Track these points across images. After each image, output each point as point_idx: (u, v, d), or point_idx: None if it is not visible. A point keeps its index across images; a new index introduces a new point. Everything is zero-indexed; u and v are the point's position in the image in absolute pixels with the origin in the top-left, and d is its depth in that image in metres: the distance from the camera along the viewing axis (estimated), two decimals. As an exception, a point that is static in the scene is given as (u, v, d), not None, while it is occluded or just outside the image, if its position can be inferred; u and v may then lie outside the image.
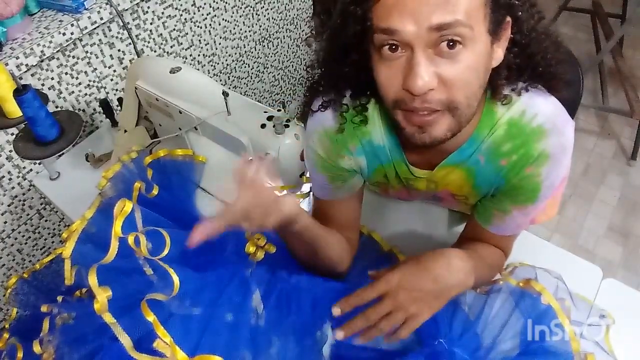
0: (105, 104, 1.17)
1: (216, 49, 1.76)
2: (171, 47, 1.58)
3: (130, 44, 1.43)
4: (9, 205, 1.33)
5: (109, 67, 1.41)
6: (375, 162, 0.69)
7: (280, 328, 0.62)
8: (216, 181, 1.02)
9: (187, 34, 1.61)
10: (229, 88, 1.31)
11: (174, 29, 1.56)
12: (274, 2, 1.91)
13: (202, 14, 1.63)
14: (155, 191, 0.83)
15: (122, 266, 0.62)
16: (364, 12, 0.49)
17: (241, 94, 1.37)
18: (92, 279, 0.58)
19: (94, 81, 1.39)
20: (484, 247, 0.70)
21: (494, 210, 0.66)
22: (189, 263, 0.64)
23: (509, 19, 0.52)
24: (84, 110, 1.40)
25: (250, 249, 0.73)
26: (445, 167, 0.64)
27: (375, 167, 0.70)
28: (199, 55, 1.70)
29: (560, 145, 0.58)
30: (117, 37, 1.39)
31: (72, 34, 1.22)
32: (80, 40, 1.29)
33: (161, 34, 1.52)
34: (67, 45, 1.25)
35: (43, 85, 1.26)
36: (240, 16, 1.78)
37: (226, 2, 1.70)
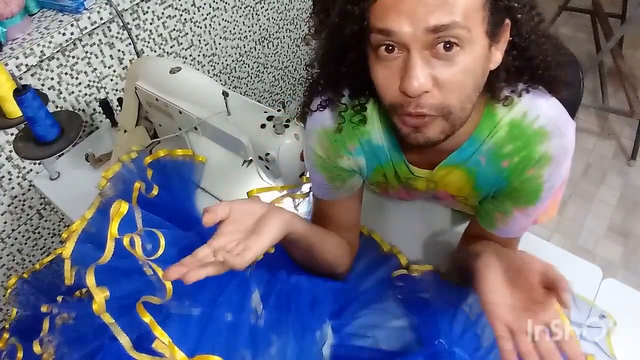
0: (105, 104, 1.17)
1: (216, 49, 1.76)
2: (171, 47, 1.58)
3: (130, 44, 1.43)
4: (9, 206, 1.33)
5: (109, 67, 1.41)
6: (374, 162, 0.69)
7: (279, 328, 0.62)
8: (216, 181, 1.02)
9: (187, 34, 1.61)
10: (229, 88, 1.31)
11: (174, 29, 1.56)
12: (274, 2, 1.91)
13: (202, 14, 1.63)
14: (155, 191, 0.84)
15: (122, 266, 0.62)
16: (362, 11, 0.49)
17: (241, 94, 1.36)
18: (90, 279, 0.58)
19: (93, 81, 1.39)
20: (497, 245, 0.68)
21: (495, 212, 0.66)
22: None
23: (508, 21, 0.51)
24: (84, 110, 1.40)
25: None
26: (445, 167, 0.64)
27: (374, 167, 0.69)
28: (199, 55, 1.70)
29: (562, 147, 0.58)
30: (117, 37, 1.39)
31: (72, 34, 1.22)
32: (80, 40, 1.29)
33: (161, 34, 1.52)
34: (67, 46, 1.25)
35: (43, 85, 1.26)
36: (240, 16, 1.78)
37: (226, 2, 1.70)
